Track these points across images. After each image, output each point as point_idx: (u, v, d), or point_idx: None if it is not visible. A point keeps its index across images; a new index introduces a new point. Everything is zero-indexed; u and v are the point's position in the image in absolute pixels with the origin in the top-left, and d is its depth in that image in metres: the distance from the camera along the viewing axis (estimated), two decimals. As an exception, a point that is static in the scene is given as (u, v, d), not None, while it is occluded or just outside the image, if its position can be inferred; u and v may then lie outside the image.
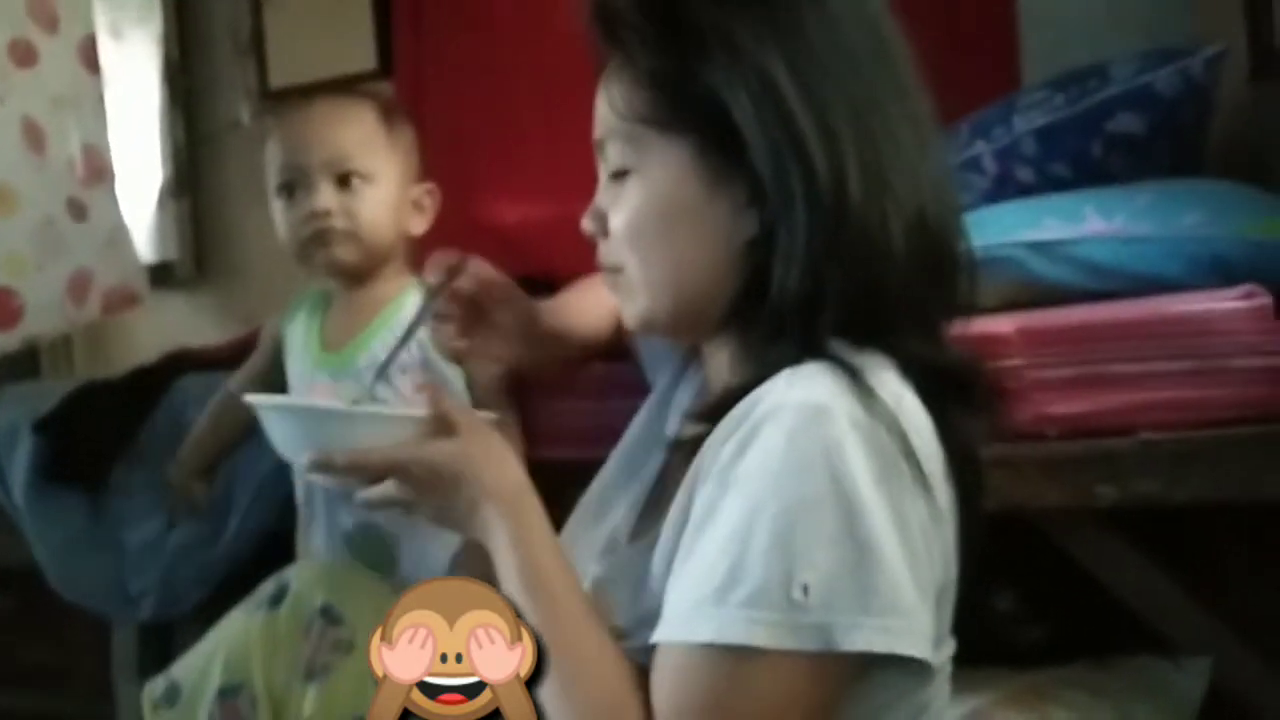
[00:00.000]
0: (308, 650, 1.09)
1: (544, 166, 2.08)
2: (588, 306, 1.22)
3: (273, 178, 1.30)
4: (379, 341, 1.27)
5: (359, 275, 1.31)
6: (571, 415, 1.33)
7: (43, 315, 2.14)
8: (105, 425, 1.68)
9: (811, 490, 0.71)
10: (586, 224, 0.91)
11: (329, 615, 1.10)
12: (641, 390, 1.11)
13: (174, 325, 2.64)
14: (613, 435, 1.07)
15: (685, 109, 0.82)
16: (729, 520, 0.73)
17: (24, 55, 2.18)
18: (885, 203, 0.79)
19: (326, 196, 1.26)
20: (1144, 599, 1.21)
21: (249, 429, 1.44)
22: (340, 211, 1.26)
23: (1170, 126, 1.39)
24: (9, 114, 2.13)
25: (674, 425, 0.99)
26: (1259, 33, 1.54)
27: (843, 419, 0.73)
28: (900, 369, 0.79)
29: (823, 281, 0.78)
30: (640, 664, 0.77)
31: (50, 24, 2.25)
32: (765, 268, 0.80)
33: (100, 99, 2.39)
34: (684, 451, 0.84)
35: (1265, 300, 1.13)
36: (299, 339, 1.35)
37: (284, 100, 2.46)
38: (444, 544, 1.23)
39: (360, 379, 1.24)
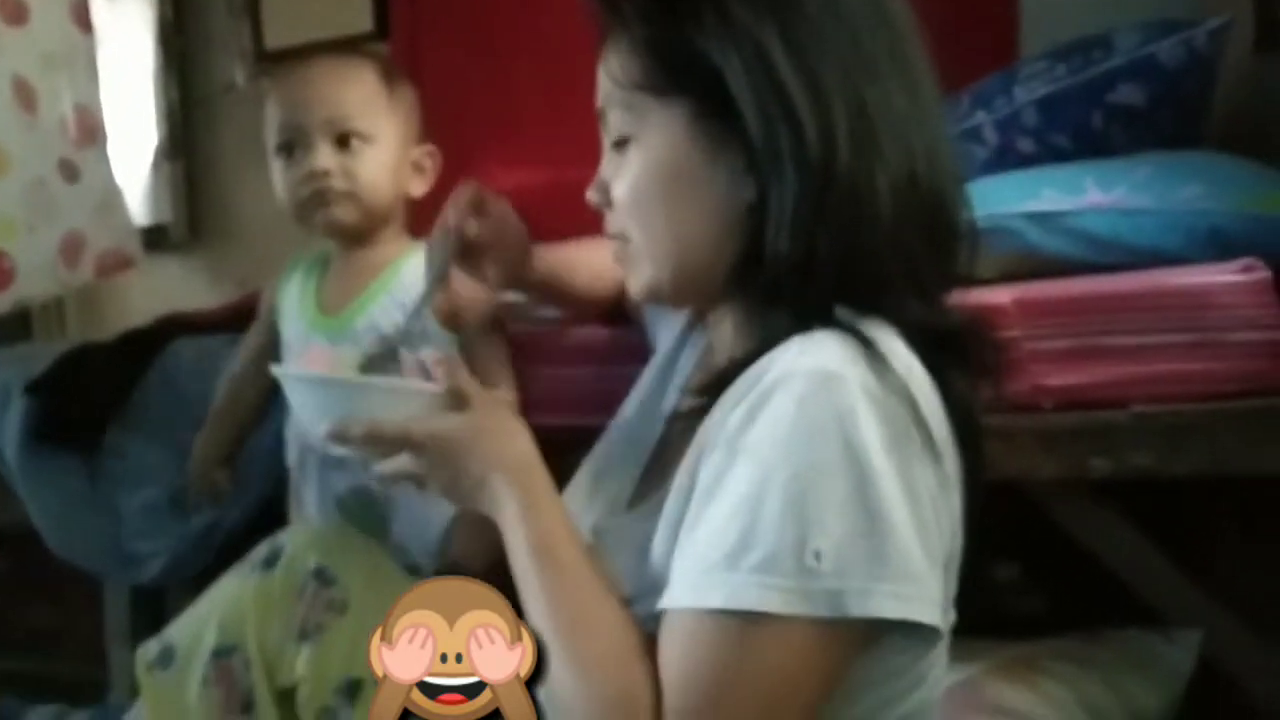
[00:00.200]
0: (301, 611, 1.09)
1: (541, 132, 2.07)
2: (590, 264, 1.22)
3: (272, 137, 1.29)
4: (377, 305, 1.27)
5: (358, 236, 1.30)
6: (571, 382, 1.33)
7: (34, 278, 2.12)
8: (97, 387, 1.68)
9: (823, 456, 0.72)
10: (591, 195, 0.92)
11: (322, 577, 1.10)
12: (641, 357, 1.12)
13: (168, 288, 2.63)
14: (612, 402, 1.07)
15: (681, 75, 0.82)
16: (739, 487, 0.73)
17: (14, 13, 2.15)
18: (874, 167, 0.79)
19: (326, 156, 1.25)
20: (1136, 571, 1.21)
21: (261, 411, 1.43)
22: (339, 172, 1.25)
23: (1172, 98, 1.38)
24: (-1, 73, 2.11)
25: (674, 393, 0.99)
26: (1265, 4, 1.53)
27: (854, 386, 0.73)
28: (902, 335, 0.79)
29: (813, 245, 0.78)
30: (649, 631, 0.78)
31: (41, -19, 2.22)
32: (763, 233, 0.80)
33: (93, 58, 2.36)
34: (685, 420, 0.84)
35: (1264, 274, 1.13)
36: (294, 302, 1.34)
37: (279, 61, 2.44)
38: (436, 508, 1.23)
39: (358, 342, 1.24)
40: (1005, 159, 1.44)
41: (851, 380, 0.73)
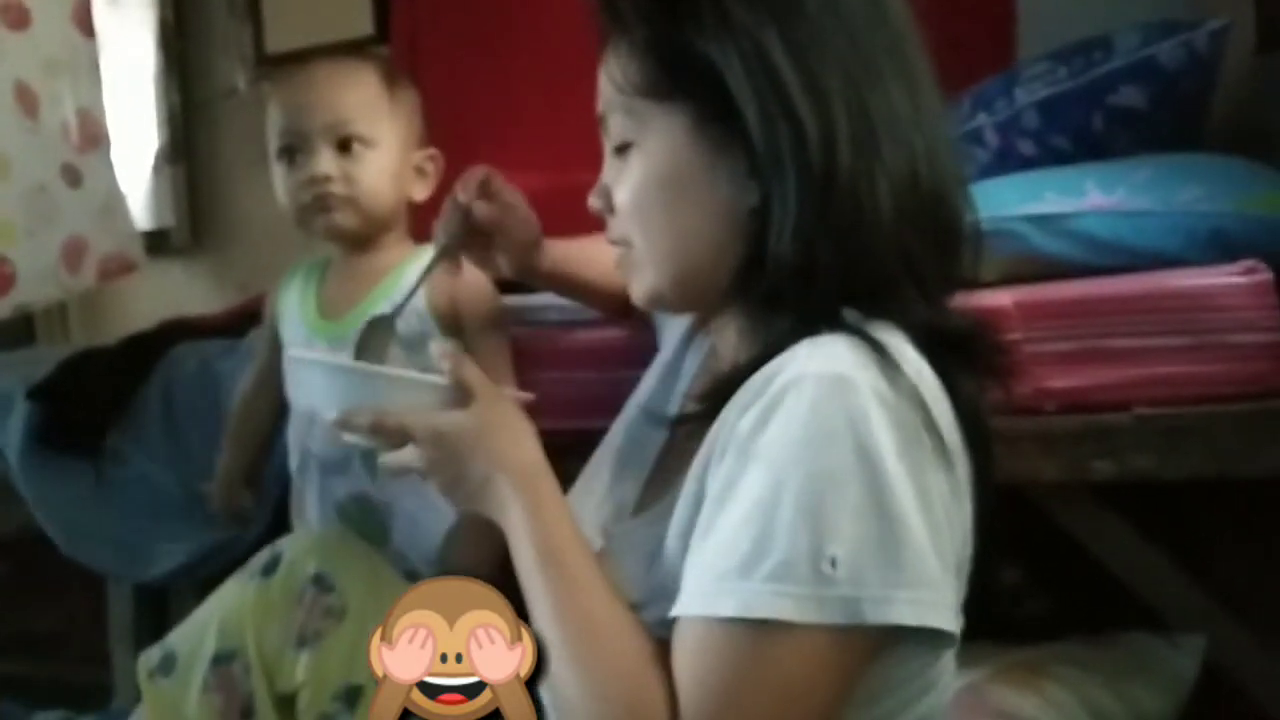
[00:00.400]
0: (300, 617, 1.09)
1: (541, 135, 2.07)
2: (602, 260, 1.22)
3: (273, 141, 1.28)
4: (379, 310, 1.26)
5: (360, 241, 1.30)
6: (579, 385, 1.32)
7: (35, 283, 2.13)
8: (100, 392, 1.68)
9: (837, 462, 0.71)
10: (593, 201, 0.91)
11: (321, 583, 1.10)
12: (643, 360, 1.11)
13: (170, 292, 2.64)
14: (615, 405, 1.07)
15: (681, 78, 0.82)
16: (752, 492, 0.73)
17: (16, 17, 2.16)
18: (875, 169, 0.79)
19: (326, 162, 1.25)
20: (1138, 575, 1.21)
21: (276, 426, 1.42)
22: (340, 177, 1.25)
23: (1173, 100, 1.38)
24: (1, 78, 2.11)
25: (679, 397, 0.99)
26: (1265, 5, 1.52)
27: (866, 390, 0.72)
28: (909, 338, 0.78)
29: (815, 248, 0.78)
30: (657, 636, 0.77)
31: (44, -14, 2.23)
32: (765, 238, 0.80)
33: (95, 63, 2.37)
34: (691, 424, 0.84)
35: (1265, 276, 1.13)
36: (294, 306, 1.34)
37: (280, 65, 2.44)
38: (436, 515, 1.23)
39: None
40: (1006, 161, 1.44)
41: (863, 384, 0.73)
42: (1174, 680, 1.23)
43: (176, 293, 2.65)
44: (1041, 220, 1.27)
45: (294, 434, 1.32)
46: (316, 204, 1.26)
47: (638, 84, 0.84)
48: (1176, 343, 1.14)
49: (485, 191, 1.10)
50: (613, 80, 0.86)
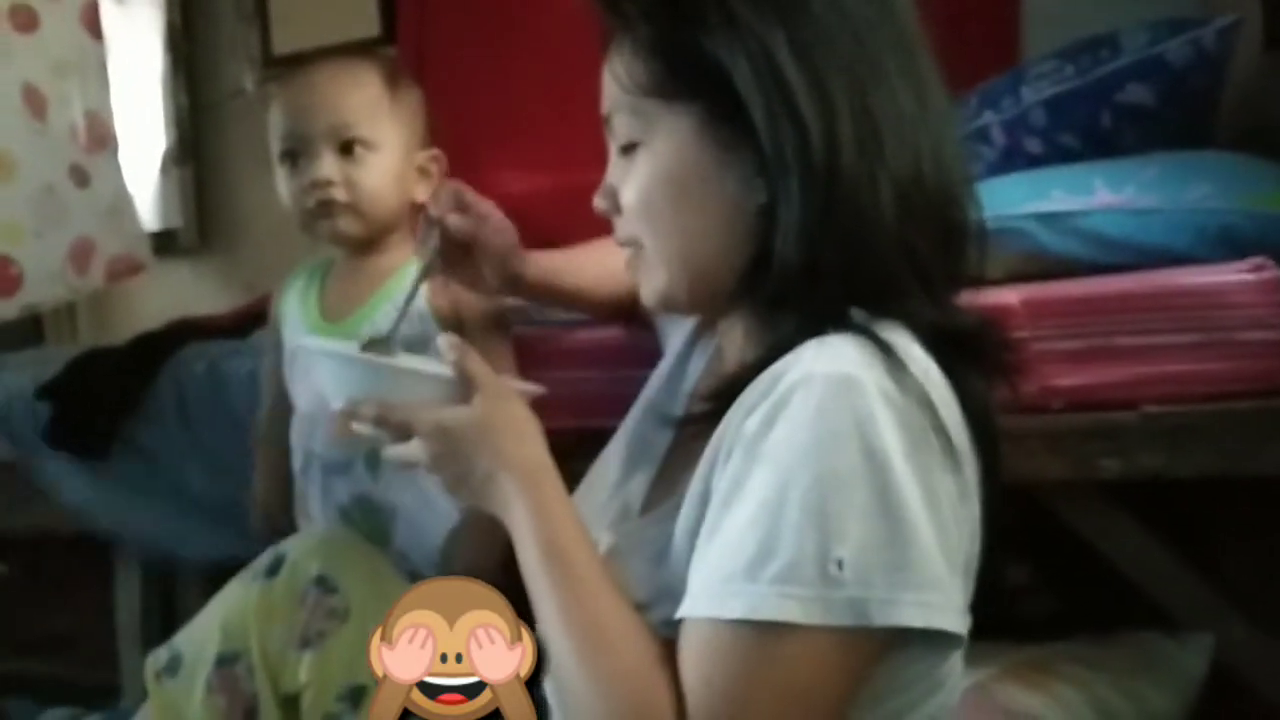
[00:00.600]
0: (303, 618, 1.09)
1: (547, 136, 2.07)
2: (592, 265, 1.22)
3: (275, 145, 1.28)
4: (381, 313, 1.25)
5: (363, 245, 1.30)
6: (584, 384, 1.32)
7: (43, 283, 2.13)
8: (108, 392, 1.68)
9: (844, 462, 0.71)
10: (599, 202, 0.91)
11: (324, 584, 1.10)
12: (650, 359, 1.11)
13: (178, 293, 2.64)
14: (623, 405, 1.07)
15: (688, 78, 0.82)
16: (758, 493, 0.73)
17: (25, 20, 2.17)
18: (878, 169, 0.78)
19: (328, 166, 1.24)
20: (1146, 573, 1.21)
21: None
22: (342, 181, 1.24)
23: (1181, 97, 1.38)
24: (9, 79, 2.12)
25: (685, 397, 0.98)
26: (1273, 2, 1.52)
27: (873, 390, 0.72)
28: (916, 337, 0.78)
29: (819, 249, 0.78)
30: (663, 637, 0.77)
31: (52, -12, 2.23)
32: (772, 238, 0.80)
33: (103, 65, 2.37)
34: (697, 424, 0.84)
35: (1273, 273, 1.12)
36: (295, 310, 1.34)
37: (287, 67, 2.44)
38: (438, 516, 1.22)
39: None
40: (1013, 159, 1.43)
41: (870, 384, 0.72)
42: (1182, 679, 1.22)
43: (184, 293, 2.65)
44: (1049, 218, 1.27)
45: (297, 434, 1.32)
46: (319, 209, 1.25)
47: (644, 84, 0.84)
48: (1184, 340, 1.13)
49: (458, 206, 1.10)
50: (618, 80, 0.85)
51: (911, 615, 0.71)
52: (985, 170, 1.42)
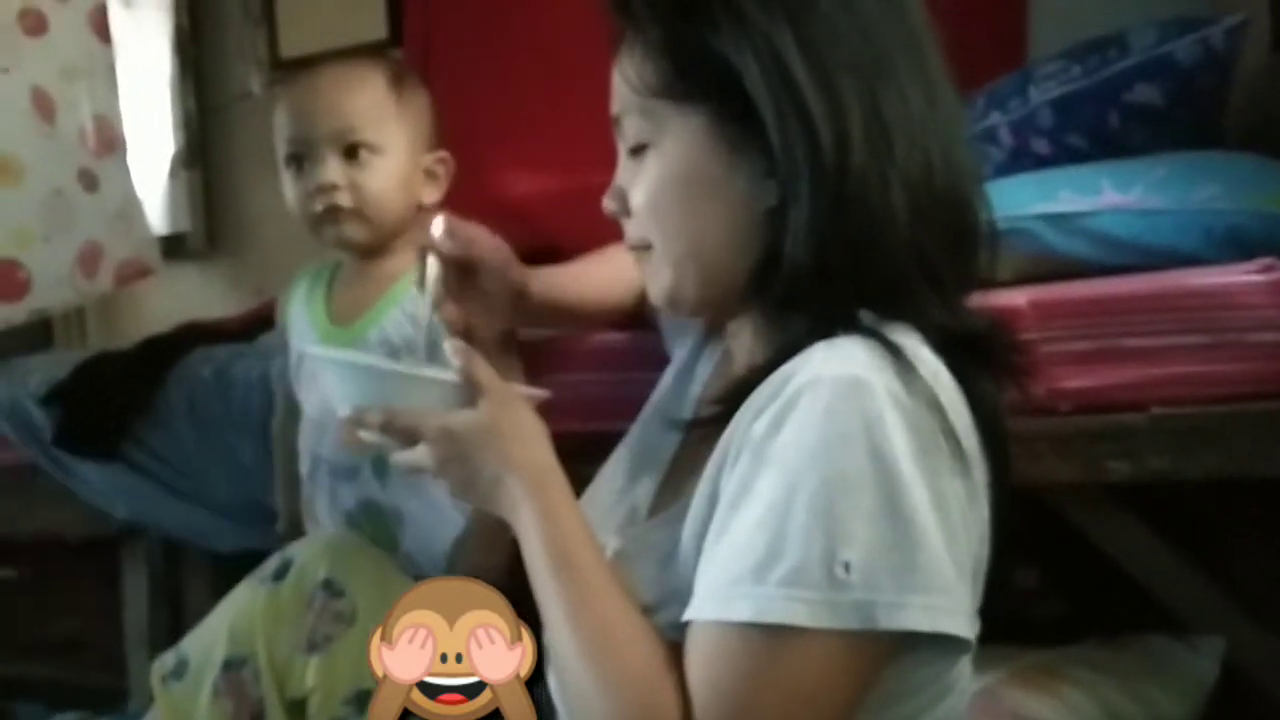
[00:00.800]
0: (310, 622, 1.10)
1: (554, 138, 2.06)
2: (594, 276, 1.22)
3: (280, 149, 1.28)
4: (389, 317, 1.25)
5: (370, 249, 1.29)
6: (590, 387, 1.32)
7: (51, 288, 2.14)
8: (116, 395, 1.69)
9: (851, 465, 0.71)
10: (608, 204, 0.91)
11: (331, 588, 1.10)
12: (658, 362, 1.11)
13: (186, 297, 2.65)
14: (628, 408, 1.07)
15: (698, 79, 0.82)
16: (766, 496, 0.73)
17: (34, 24, 2.17)
18: (887, 170, 0.78)
19: (333, 170, 1.24)
20: (1156, 577, 1.20)
21: None
22: (347, 186, 1.24)
23: (1189, 97, 1.37)
24: (18, 84, 2.12)
25: (692, 400, 0.98)
26: (1281, 3, 1.51)
27: (881, 393, 0.72)
28: (926, 340, 0.78)
29: (829, 250, 0.78)
30: (669, 639, 0.77)
31: (61, -8, 2.24)
32: (782, 239, 0.80)
33: (111, 69, 2.37)
34: (705, 427, 0.84)
35: (1283, 274, 1.12)
36: (302, 314, 1.33)
37: (295, 70, 2.45)
38: (445, 521, 1.22)
39: (371, 354, 1.23)
40: (1021, 160, 1.43)
41: (878, 387, 0.72)
42: (1192, 683, 1.22)
43: (193, 297, 2.66)
44: (1056, 219, 1.26)
45: (305, 439, 1.32)
46: (324, 214, 1.25)
47: (653, 85, 0.84)
48: (1193, 342, 1.13)
49: (446, 233, 1.08)
50: (628, 82, 0.85)
51: (919, 619, 0.71)
52: (993, 171, 1.42)
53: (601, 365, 1.34)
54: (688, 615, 0.75)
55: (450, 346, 0.88)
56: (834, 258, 0.78)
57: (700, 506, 0.79)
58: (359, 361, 0.98)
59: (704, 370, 1.00)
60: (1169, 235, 1.22)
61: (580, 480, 0.99)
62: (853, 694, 0.73)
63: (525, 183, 2.02)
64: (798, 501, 0.71)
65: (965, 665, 0.81)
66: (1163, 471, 1.13)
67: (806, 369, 0.74)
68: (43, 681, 2.06)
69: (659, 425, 1.00)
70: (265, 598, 1.11)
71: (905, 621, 0.71)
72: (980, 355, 0.81)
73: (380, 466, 1.23)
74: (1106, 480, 1.15)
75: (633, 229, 0.89)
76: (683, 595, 0.77)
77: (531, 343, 1.33)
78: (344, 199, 1.24)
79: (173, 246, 2.69)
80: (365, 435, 0.90)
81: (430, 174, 1.30)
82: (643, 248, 0.89)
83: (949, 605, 0.73)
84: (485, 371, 0.88)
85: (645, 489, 0.95)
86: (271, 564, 1.14)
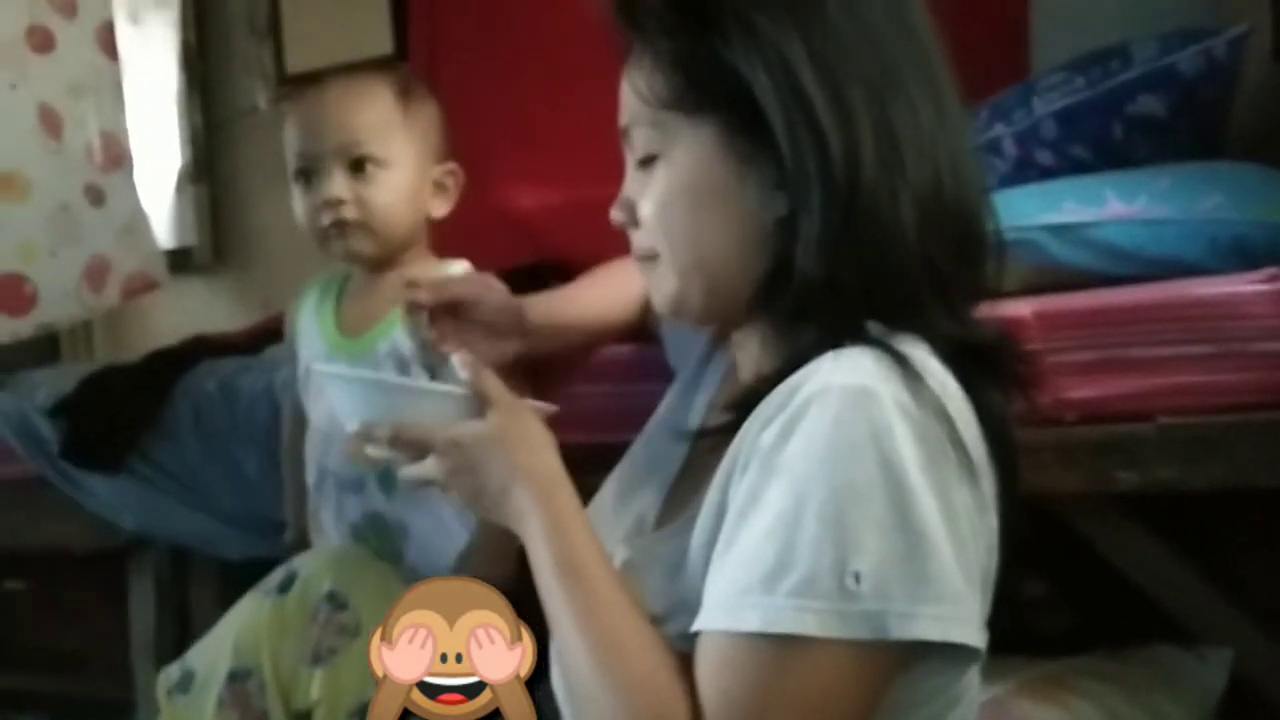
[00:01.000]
0: (314, 635, 1.10)
1: (560, 152, 2.07)
2: (595, 294, 1.22)
3: (289, 163, 1.28)
4: (399, 329, 1.25)
5: (379, 262, 1.29)
6: (595, 399, 1.32)
7: (58, 302, 2.14)
8: (122, 409, 1.69)
9: (861, 475, 0.71)
10: (615, 214, 0.90)
11: (335, 601, 1.10)
12: (665, 374, 1.11)
13: (193, 311, 2.65)
14: (636, 419, 1.06)
15: (708, 91, 0.82)
16: (775, 506, 0.73)
17: (41, 41, 2.19)
18: (897, 183, 0.78)
19: (339, 185, 1.24)
20: (1163, 586, 1.20)
21: None
22: (353, 200, 1.24)
23: (1192, 108, 1.37)
24: (25, 100, 2.13)
25: (699, 411, 0.98)
26: (1284, 12, 1.52)
27: (889, 403, 0.72)
28: (934, 350, 0.78)
29: (840, 263, 0.78)
30: (678, 650, 0.77)
31: (68, 10, 2.25)
32: (791, 250, 0.80)
33: (119, 85, 2.39)
34: (713, 437, 0.84)
35: (1287, 284, 1.12)
36: (312, 325, 1.33)
37: (300, 85, 2.46)
38: (450, 535, 1.22)
39: (381, 367, 1.23)
40: (1025, 171, 1.43)
41: (887, 397, 0.72)
42: (1200, 693, 1.21)
43: (199, 311, 2.66)
44: (1061, 230, 1.26)
45: (312, 450, 1.31)
46: (332, 228, 1.25)
47: (663, 97, 0.84)
48: (1198, 352, 1.13)
49: (426, 288, 1.12)
50: (637, 93, 0.85)
51: (929, 629, 0.71)
52: (997, 182, 1.41)
53: (606, 377, 1.34)
54: (697, 625, 0.75)
55: (458, 360, 0.88)
56: (844, 269, 0.78)
57: (708, 517, 0.79)
58: (366, 377, 0.98)
59: (710, 381, 1.00)
60: (1173, 245, 1.22)
61: (586, 491, 0.99)
62: (862, 704, 0.73)
63: (531, 196, 2.03)
64: (807, 511, 0.71)
65: (974, 675, 0.81)
66: (1169, 481, 1.13)
67: (814, 379, 0.74)
68: (49, 693, 2.06)
69: (666, 436, 1.00)
70: (270, 610, 1.11)
71: (916, 631, 0.70)
72: (988, 366, 0.81)
73: (386, 479, 1.23)
74: (1113, 490, 1.15)
75: (640, 240, 0.89)
76: (691, 606, 0.76)
77: (537, 355, 1.33)
78: (350, 213, 1.24)
79: (179, 261, 2.70)
80: (373, 450, 0.90)
81: (439, 186, 1.30)
82: (649, 257, 0.89)
83: (959, 615, 0.73)
84: (493, 383, 0.88)
85: (652, 499, 0.95)
86: (276, 577, 1.14)
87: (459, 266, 1.30)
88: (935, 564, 0.71)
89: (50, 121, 2.17)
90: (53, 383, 1.82)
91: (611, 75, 0.90)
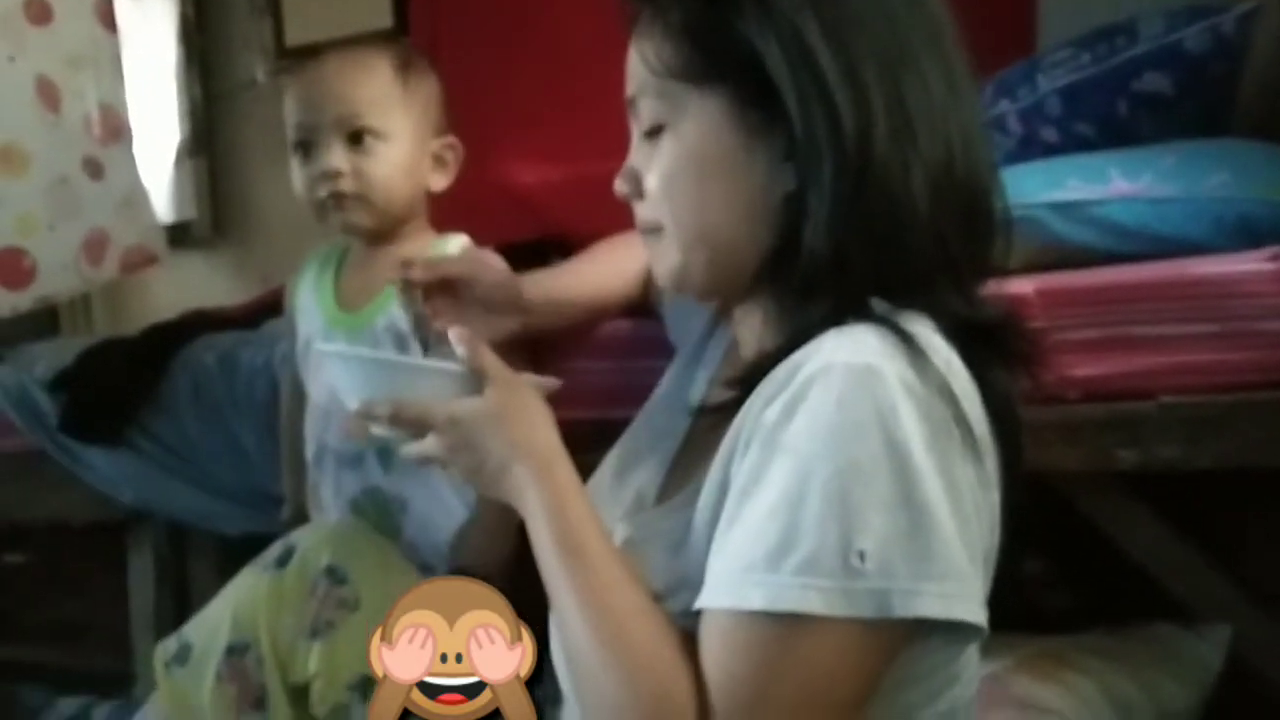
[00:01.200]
0: (313, 609, 1.10)
1: (562, 127, 2.06)
2: (595, 271, 1.22)
3: (289, 135, 1.28)
4: (397, 304, 1.25)
5: (377, 235, 1.29)
6: (595, 375, 1.32)
7: (57, 275, 2.14)
8: (121, 382, 1.69)
9: (865, 453, 0.70)
10: (620, 185, 0.90)
11: (333, 574, 1.10)
12: (666, 350, 1.11)
13: (192, 284, 2.65)
14: (637, 395, 1.06)
15: (718, 62, 0.81)
16: (779, 484, 0.72)
17: (39, 12, 2.17)
18: (909, 157, 0.78)
19: (337, 157, 1.23)
20: (1163, 564, 1.20)
21: None
22: (351, 172, 1.24)
23: (1199, 85, 1.36)
24: (23, 72, 2.12)
25: (700, 387, 0.98)
26: (1293, -12, 1.50)
27: (893, 380, 0.72)
28: (939, 328, 0.78)
29: (849, 238, 0.77)
30: (680, 626, 0.77)
31: (66, -19, 2.24)
32: (799, 224, 0.79)
33: (117, 57, 2.38)
34: (714, 414, 0.83)
35: (1292, 262, 1.11)
36: (311, 299, 1.33)
37: (300, 58, 2.45)
38: (448, 510, 1.22)
39: (379, 341, 1.23)
40: (1029, 148, 1.42)
41: (891, 375, 0.72)
42: (1198, 670, 1.22)
43: (198, 285, 2.66)
44: (1065, 207, 1.25)
45: (311, 426, 1.31)
46: (330, 200, 1.25)
47: (672, 66, 0.83)
48: (1202, 330, 1.12)
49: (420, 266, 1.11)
50: (645, 62, 0.85)
51: (934, 606, 0.71)
52: (1001, 159, 1.41)
53: (607, 353, 1.33)
54: (700, 603, 0.75)
55: (454, 335, 0.88)
56: (852, 244, 0.77)
57: (711, 493, 0.79)
58: (365, 355, 0.98)
59: (712, 357, 1.00)
60: (1178, 223, 1.21)
61: (586, 468, 0.99)
62: (865, 681, 0.73)
63: (533, 171, 2.02)
64: (812, 490, 0.71)
65: (974, 653, 0.82)
66: (1171, 460, 1.12)
67: (818, 357, 0.74)
68: (49, 666, 2.07)
69: (666, 412, 1.00)
70: (268, 584, 1.11)
71: (920, 609, 0.70)
72: (993, 344, 0.81)
73: (385, 455, 1.23)
74: (1115, 469, 1.15)
75: (644, 211, 0.88)
76: (693, 582, 0.76)
77: (537, 330, 1.33)
78: (348, 185, 1.24)
79: (178, 234, 2.70)
80: (375, 429, 0.90)
81: (438, 159, 1.30)
82: (653, 230, 0.88)
83: (963, 592, 0.73)
84: (490, 359, 0.88)
85: (652, 475, 0.95)
86: (274, 550, 1.14)
87: (458, 241, 1.29)
88: (939, 542, 0.71)
89: (48, 94, 2.16)
90: (52, 356, 1.82)
91: (614, 50, 0.89)
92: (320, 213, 1.27)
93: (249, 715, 1.09)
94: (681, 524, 0.81)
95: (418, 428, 0.87)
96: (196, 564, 1.86)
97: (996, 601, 0.80)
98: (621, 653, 0.76)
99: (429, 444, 0.87)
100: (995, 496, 0.79)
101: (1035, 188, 1.27)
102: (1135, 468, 1.14)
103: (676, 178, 0.84)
